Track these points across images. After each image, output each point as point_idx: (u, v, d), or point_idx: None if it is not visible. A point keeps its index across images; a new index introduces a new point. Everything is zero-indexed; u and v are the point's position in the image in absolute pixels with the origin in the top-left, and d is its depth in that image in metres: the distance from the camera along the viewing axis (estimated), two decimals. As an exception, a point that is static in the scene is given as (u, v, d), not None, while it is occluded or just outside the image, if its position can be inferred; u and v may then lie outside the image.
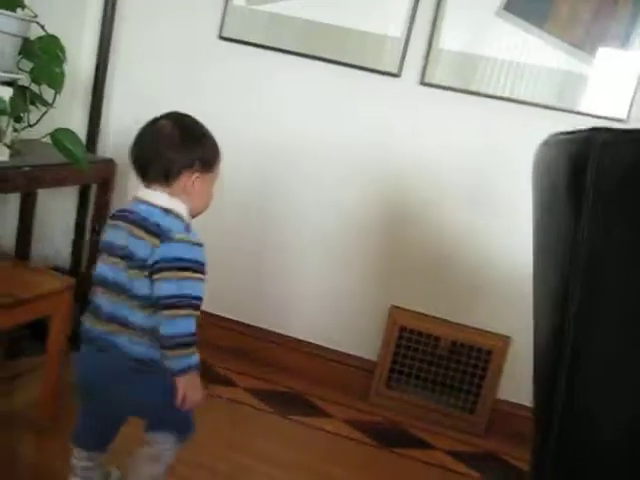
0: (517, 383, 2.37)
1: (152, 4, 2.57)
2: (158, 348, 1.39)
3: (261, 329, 2.63)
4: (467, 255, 2.40)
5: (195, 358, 1.39)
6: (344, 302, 2.55)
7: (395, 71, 2.35)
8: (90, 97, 2.59)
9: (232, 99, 2.54)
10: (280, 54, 2.45)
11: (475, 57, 2.29)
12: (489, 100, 2.30)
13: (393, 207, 2.45)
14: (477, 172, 2.36)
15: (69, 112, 2.60)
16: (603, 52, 2.20)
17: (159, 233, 1.39)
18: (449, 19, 2.29)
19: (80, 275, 2.54)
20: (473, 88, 2.30)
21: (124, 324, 1.41)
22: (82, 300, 2.38)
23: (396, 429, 2.40)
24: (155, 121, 1.50)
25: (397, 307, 2.48)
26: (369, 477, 2.08)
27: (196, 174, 1.47)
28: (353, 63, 2.38)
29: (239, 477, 1.93)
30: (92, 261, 2.48)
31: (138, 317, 1.40)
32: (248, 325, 2.65)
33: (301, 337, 2.58)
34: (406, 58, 2.34)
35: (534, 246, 0.94)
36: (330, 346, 2.59)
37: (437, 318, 2.45)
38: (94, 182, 2.47)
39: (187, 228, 1.44)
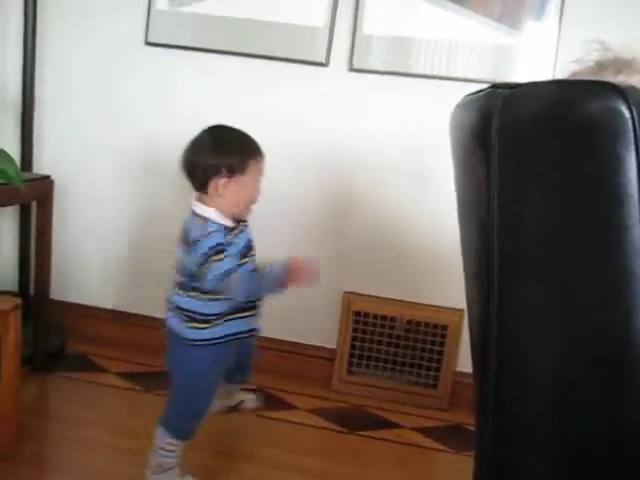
0: (475, 354, 2.41)
1: (72, 16, 2.55)
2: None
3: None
4: (414, 235, 2.44)
5: None
6: (297, 293, 2.55)
7: (322, 60, 2.37)
8: (20, 114, 2.56)
9: (163, 105, 2.53)
10: (207, 54, 2.45)
11: (401, 39, 2.32)
12: (419, 80, 2.33)
13: (336, 193, 2.47)
14: (419, 152, 2.39)
15: (0, 131, 2.57)
16: (522, 24, 2.25)
17: (190, 243, 1.69)
18: (370, 4, 2.32)
19: (30, 297, 2.51)
20: (402, 70, 2.33)
21: None
22: (36, 321, 2.38)
23: (362, 413, 2.43)
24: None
25: (350, 292, 2.50)
26: (340, 464, 2.09)
27: (224, 179, 1.67)
28: (281, 56, 2.40)
29: (214, 476, 1.93)
30: (40, 281, 2.45)
31: None
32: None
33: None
34: (333, 47, 2.37)
35: (458, 209, 0.96)
36: (288, 338, 2.60)
37: (391, 299, 2.48)
38: (32, 200, 2.43)
39: (206, 231, 1.68)
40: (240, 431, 2.21)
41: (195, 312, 1.73)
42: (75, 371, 2.47)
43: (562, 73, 1.07)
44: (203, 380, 1.76)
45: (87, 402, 2.28)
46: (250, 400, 2.20)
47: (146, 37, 2.49)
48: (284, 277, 1.70)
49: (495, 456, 0.85)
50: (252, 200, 1.76)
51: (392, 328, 2.49)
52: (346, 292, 2.50)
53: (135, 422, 2.13)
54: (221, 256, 1.66)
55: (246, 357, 1.98)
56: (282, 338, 2.60)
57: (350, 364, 2.54)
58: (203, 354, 1.74)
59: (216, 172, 1.68)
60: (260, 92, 2.46)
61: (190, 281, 1.72)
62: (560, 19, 2.21)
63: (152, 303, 2.69)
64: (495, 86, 0.78)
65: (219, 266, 1.66)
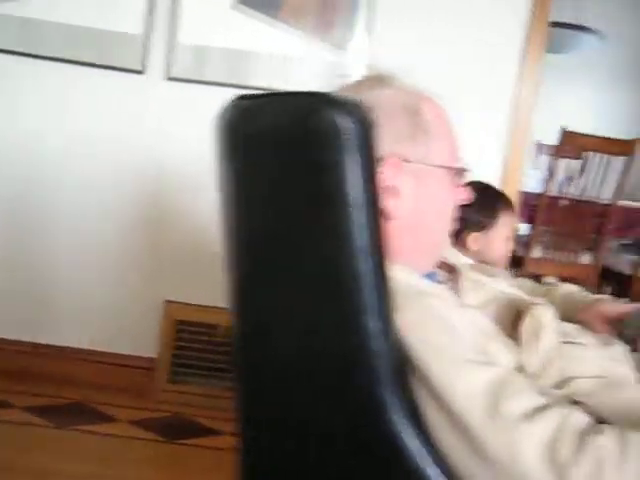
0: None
1: None
2: None
3: (33, 344, 2.53)
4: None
5: None
6: (116, 304, 2.52)
7: (139, 68, 2.35)
8: None
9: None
10: (12, 57, 2.36)
11: (217, 50, 2.35)
12: (233, 90, 2.36)
13: (154, 201, 2.46)
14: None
15: None
16: (333, 38, 2.35)
17: None
18: (187, 14, 2.33)
19: None
20: (219, 80, 2.36)
21: None
22: None
23: (184, 421, 2.41)
24: None
25: (171, 301, 2.49)
26: (161, 474, 2.08)
27: (473, 234, 1.77)
28: (95, 62, 2.35)
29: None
30: None
31: None
32: (18, 342, 2.54)
33: (76, 345, 2.51)
34: (149, 54, 2.36)
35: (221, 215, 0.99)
36: (107, 350, 2.54)
37: (212, 307, 2.49)
38: None
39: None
40: (56, 448, 2.14)
41: None
42: None
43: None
44: None
45: None
46: None
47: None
48: None
49: (247, 455, 0.88)
50: (495, 255, 1.85)
51: (214, 335, 2.50)
52: (167, 301, 2.49)
53: None
54: None
55: None
56: (101, 350, 2.54)
57: (173, 373, 2.53)
58: None
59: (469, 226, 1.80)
60: (73, 99, 2.41)
61: None
62: (368, 36, 2.33)
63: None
64: (241, 97, 0.82)
65: None
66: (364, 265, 0.74)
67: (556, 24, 4.49)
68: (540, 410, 0.76)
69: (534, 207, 3.49)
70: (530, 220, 3.52)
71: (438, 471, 0.78)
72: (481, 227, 1.81)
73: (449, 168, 1.05)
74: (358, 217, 0.73)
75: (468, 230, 1.80)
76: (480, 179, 2.25)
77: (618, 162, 3.59)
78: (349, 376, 0.77)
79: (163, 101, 2.40)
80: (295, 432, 0.82)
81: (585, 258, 3.56)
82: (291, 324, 0.80)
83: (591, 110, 5.83)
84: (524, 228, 3.65)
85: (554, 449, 0.72)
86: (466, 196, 1.12)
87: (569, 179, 4.34)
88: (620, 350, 1.12)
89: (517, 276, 3.52)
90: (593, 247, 3.52)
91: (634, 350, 1.14)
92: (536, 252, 3.48)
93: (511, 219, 1.87)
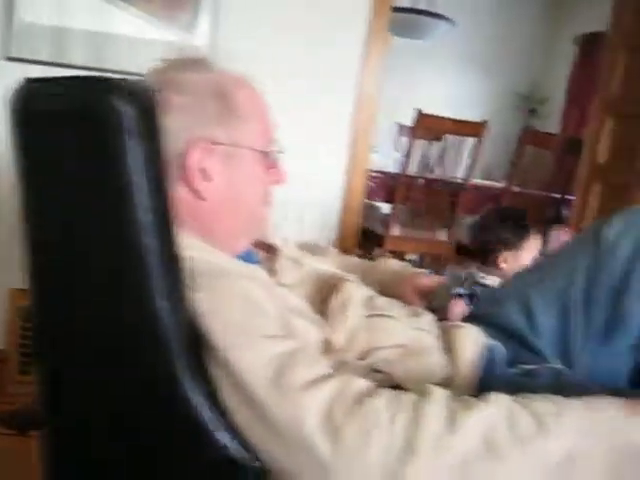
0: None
1: None
2: None
3: None
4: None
5: None
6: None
7: (-26, 47, 2.25)
8: None
9: None
10: None
11: (61, 29, 2.26)
12: (79, 72, 2.30)
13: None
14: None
15: None
16: (180, 21, 2.33)
17: None
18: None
19: None
20: (63, 60, 2.28)
21: None
22: None
23: (37, 413, 2.35)
24: None
25: (16, 289, 2.40)
26: (20, 468, 2.01)
27: (504, 253, 2.00)
28: None
29: None
30: None
31: None
32: None
33: None
34: (-15, 32, 2.25)
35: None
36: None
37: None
38: None
39: None
40: None
41: None
42: None
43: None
44: None
45: None
46: None
47: None
48: None
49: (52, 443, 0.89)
50: None
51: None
52: (12, 289, 2.40)
53: None
54: None
55: None
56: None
57: (23, 364, 2.44)
58: None
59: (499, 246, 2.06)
60: None
61: None
62: (215, 20, 2.33)
63: None
64: (31, 80, 0.82)
65: None
66: (150, 245, 0.76)
67: (411, 10, 4.64)
68: (322, 379, 0.80)
69: (393, 187, 3.61)
70: (390, 200, 3.64)
71: (235, 443, 0.81)
72: (512, 247, 1.97)
73: (260, 151, 1.07)
74: (141, 199, 0.74)
75: (499, 250, 1.98)
76: (328, 161, 2.33)
77: (470, 143, 3.77)
78: (142, 356, 0.79)
79: (3, 82, 2.29)
80: (99, 417, 0.84)
81: (441, 234, 3.73)
82: (88, 308, 0.81)
83: (449, 93, 6.08)
84: (385, 207, 3.77)
85: (331, 413, 0.76)
86: (281, 177, 1.14)
87: (426, 159, 4.51)
88: (429, 320, 1.19)
89: (379, 255, 3.64)
90: (448, 224, 3.68)
91: (441, 319, 1.22)
92: (395, 230, 3.60)
93: (538, 241, 2.05)
